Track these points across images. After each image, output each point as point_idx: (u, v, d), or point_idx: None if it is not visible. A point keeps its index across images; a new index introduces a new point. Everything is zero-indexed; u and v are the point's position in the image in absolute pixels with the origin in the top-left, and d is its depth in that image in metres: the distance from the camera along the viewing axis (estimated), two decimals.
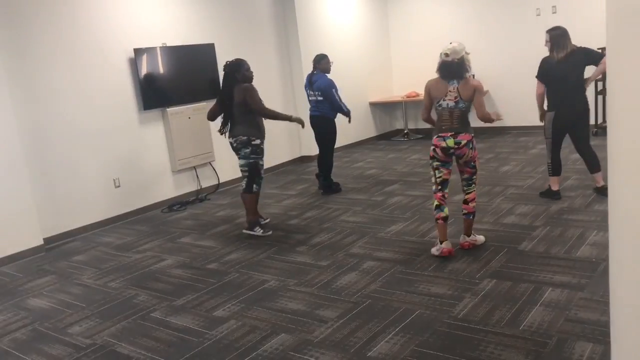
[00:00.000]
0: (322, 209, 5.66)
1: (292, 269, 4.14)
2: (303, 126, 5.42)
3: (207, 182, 6.94)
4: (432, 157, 4.02)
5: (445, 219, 4.01)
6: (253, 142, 4.90)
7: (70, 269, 4.70)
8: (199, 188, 6.85)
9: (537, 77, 5.05)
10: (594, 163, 5.05)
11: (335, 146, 6.41)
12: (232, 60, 5.01)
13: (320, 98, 6.13)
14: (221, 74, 6.77)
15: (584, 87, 4.95)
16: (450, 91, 3.86)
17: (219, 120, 5.06)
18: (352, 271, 3.96)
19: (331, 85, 6.07)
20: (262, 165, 5.04)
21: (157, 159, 6.42)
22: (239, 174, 7.18)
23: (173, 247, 4.99)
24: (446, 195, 4.05)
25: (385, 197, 5.87)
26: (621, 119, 1.47)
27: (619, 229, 1.57)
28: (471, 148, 3.91)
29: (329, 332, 3.12)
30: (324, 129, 6.27)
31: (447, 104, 3.88)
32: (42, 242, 5.23)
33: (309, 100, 6.31)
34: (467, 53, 3.86)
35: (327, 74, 6.18)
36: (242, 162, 4.98)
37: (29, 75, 5.25)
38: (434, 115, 4.10)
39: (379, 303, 3.42)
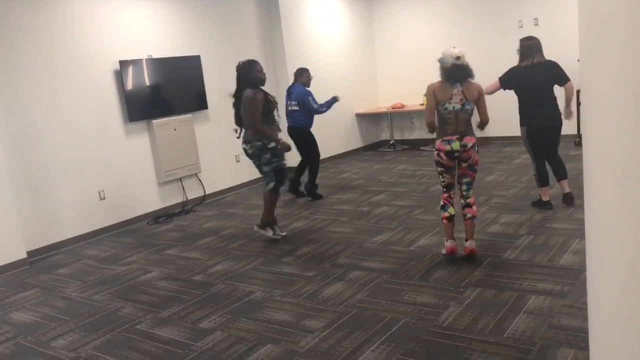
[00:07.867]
0: (309, 220, 5.67)
1: (278, 279, 4.14)
2: (289, 150, 5.10)
3: (193, 193, 6.93)
4: (437, 162, 4.05)
5: (449, 218, 4.06)
6: (269, 147, 4.80)
7: (54, 282, 4.65)
8: (184, 200, 6.83)
9: (499, 78, 5.08)
10: (561, 170, 5.12)
11: (322, 157, 6.48)
12: (244, 61, 4.87)
13: (295, 108, 6.29)
14: (208, 85, 6.91)
15: (555, 101, 4.93)
16: (455, 94, 3.87)
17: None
18: (338, 281, 3.97)
19: (307, 93, 6.26)
20: (285, 164, 4.96)
21: (142, 171, 6.39)
22: (224, 186, 7.32)
23: (159, 259, 4.97)
24: (452, 196, 4.12)
25: (371, 207, 5.89)
26: (595, 128, 1.50)
27: (595, 239, 1.60)
28: (477, 151, 3.99)
29: (315, 342, 3.12)
30: (301, 139, 6.44)
31: (454, 107, 3.87)
32: (25, 256, 5.17)
33: (286, 112, 6.41)
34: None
35: (306, 87, 6.35)
36: (267, 168, 4.88)
37: (10, 88, 5.22)
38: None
39: (364, 313, 3.43)
